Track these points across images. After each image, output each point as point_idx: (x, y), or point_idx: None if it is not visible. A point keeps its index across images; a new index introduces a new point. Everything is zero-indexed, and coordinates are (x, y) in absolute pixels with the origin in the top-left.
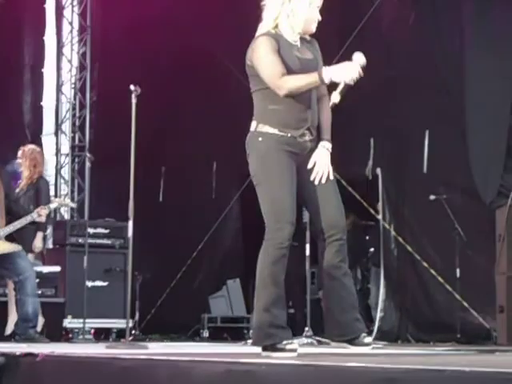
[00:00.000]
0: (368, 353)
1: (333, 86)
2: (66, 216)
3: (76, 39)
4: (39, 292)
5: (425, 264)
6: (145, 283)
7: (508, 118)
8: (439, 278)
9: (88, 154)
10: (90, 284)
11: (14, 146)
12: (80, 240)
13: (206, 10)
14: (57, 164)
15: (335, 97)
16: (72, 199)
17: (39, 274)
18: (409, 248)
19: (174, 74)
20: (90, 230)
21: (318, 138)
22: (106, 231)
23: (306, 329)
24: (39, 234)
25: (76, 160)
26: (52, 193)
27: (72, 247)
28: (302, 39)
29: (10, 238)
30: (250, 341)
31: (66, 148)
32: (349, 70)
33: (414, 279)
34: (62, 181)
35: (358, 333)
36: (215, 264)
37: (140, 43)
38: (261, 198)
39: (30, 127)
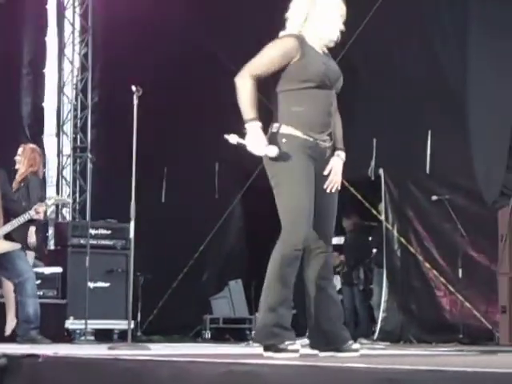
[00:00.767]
0: (370, 353)
1: None
2: (68, 217)
3: (77, 40)
4: (41, 293)
5: (427, 265)
6: (147, 284)
7: (510, 119)
8: (442, 279)
9: (90, 155)
10: (91, 285)
11: (15, 146)
12: (82, 241)
13: (209, 11)
14: (58, 165)
15: (233, 138)
16: (74, 200)
17: (41, 275)
18: (411, 249)
19: (175, 74)
20: (92, 231)
21: (333, 147)
22: (108, 232)
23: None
24: (31, 229)
25: (78, 161)
26: (53, 193)
27: (74, 248)
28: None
29: (8, 237)
30: (252, 342)
31: (67, 149)
32: (255, 149)
33: (417, 280)
34: (64, 182)
35: (345, 341)
36: (217, 265)
37: (142, 44)
38: (280, 198)
39: (31, 128)
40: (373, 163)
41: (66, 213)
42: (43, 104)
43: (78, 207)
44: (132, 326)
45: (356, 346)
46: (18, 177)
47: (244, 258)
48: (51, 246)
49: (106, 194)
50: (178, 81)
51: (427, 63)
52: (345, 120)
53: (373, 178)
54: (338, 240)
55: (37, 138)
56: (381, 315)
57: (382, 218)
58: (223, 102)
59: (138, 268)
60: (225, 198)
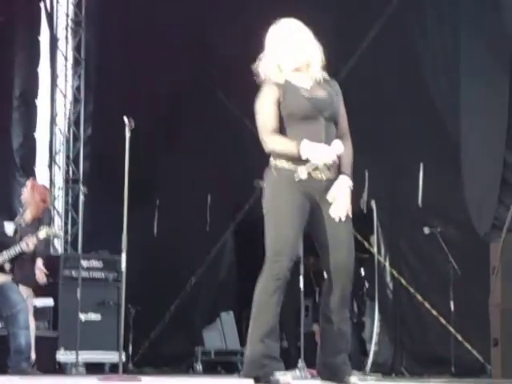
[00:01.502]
0: None
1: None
2: (60, 249)
3: (70, 72)
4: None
5: (419, 297)
6: (138, 316)
7: (503, 151)
8: (433, 311)
9: (82, 187)
10: (83, 317)
11: (6, 177)
12: (73, 273)
13: (199, 41)
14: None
15: (302, 172)
16: (65, 232)
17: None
18: (403, 281)
19: (168, 107)
20: (84, 263)
21: (338, 173)
22: (100, 264)
23: (300, 362)
24: (39, 261)
25: (70, 193)
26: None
27: (65, 280)
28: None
29: (0, 269)
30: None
31: (59, 181)
32: (325, 155)
33: (409, 312)
34: (56, 213)
35: (344, 375)
36: (209, 297)
37: (134, 76)
38: (266, 229)
39: (23, 159)
40: (365, 195)
41: (58, 245)
42: (35, 135)
43: (69, 239)
44: (123, 358)
45: (354, 379)
46: (30, 212)
47: (235, 289)
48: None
49: (98, 225)
50: (171, 113)
51: (420, 95)
52: None
53: (365, 211)
54: None
55: (29, 169)
56: (373, 348)
57: (375, 250)
58: (217, 134)
59: (130, 300)
60: (216, 231)
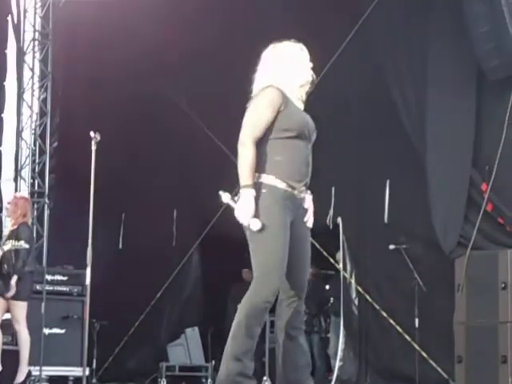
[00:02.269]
0: None
1: None
2: None
3: (37, 85)
4: None
5: (384, 314)
6: (102, 331)
7: (469, 170)
8: (398, 328)
9: (47, 201)
10: (47, 331)
11: None
12: (38, 287)
13: (165, 57)
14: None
15: (226, 197)
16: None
17: None
18: (369, 298)
19: (134, 121)
20: (48, 277)
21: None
22: (64, 278)
23: (265, 378)
24: (13, 278)
25: (35, 206)
26: None
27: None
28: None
29: None
30: None
31: (25, 194)
32: (243, 215)
33: (374, 328)
34: None
35: None
36: (174, 312)
37: (101, 89)
38: (255, 248)
39: None
40: (331, 212)
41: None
42: (0, 148)
43: (29, 247)
44: (87, 372)
45: None
46: (11, 226)
47: (201, 305)
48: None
49: (63, 239)
50: (137, 127)
51: (386, 112)
52: None
53: (331, 227)
54: None
55: None
56: (337, 364)
57: (340, 266)
58: (182, 150)
59: (94, 314)
60: (182, 246)
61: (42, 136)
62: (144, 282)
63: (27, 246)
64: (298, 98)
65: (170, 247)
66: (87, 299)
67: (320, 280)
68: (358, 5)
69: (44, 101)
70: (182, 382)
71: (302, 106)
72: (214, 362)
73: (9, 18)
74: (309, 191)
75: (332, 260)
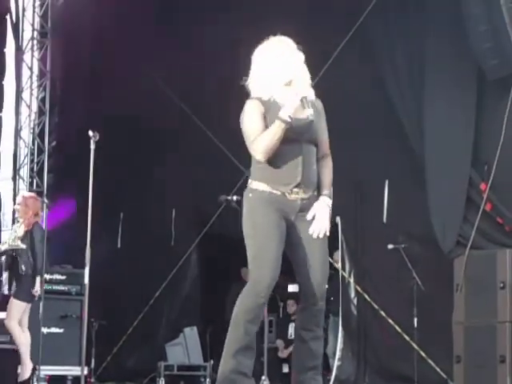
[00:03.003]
0: None
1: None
2: None
3: (35, 84)
4: None
5: (383, 313)
6: (101, 330)
7: (468, 170)
8: (397, 328)
9: (45, 200)
10: (45, 330)
11: None
12: None
13: (166, 56)
14: (14, 209)
15: (309, 112)
16: None
17: None
18: (367, 297)
19: (133, 120)
20: (47, 277)
21: (318, 194)
22: (63, 278)
23: (263, 378)
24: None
25: None
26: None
27: None
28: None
29: None
30: None
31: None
32: (292, 96)
33: (373, 328)
34: None
35: None
36: (172, 311)
37: (99, 87)
38: (248, 249)
39: None
40: (330, 211)
41: None
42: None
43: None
44: (86, 372)
45: None
46: (24, 226)
47: (199, 305)
48: (5, 290)
49: (62, 239)
50: (137, 126)
51: (384, 112)
52: None
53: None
54: (294, 288)
55: None
56: (336, 364)
57: (339, 266)
58: (180, 147)
59: (93, 314)
60: (181, 245)
61: (41, 135)
62: (142, 282)
63: (24, 246)
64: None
65: (169, 246)
66: (86, 298)
67: None
68: (356, 6)
69: (42, 100)
70: (181, 382)
71: (299, 105)
72: (212, 361)
73: (7, 16)
74: (325, 197)
75: (330, 259)
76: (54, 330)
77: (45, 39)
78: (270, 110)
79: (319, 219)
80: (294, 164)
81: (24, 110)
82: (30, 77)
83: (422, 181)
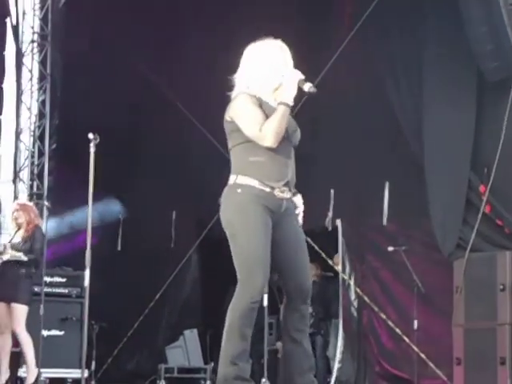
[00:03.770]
0: None
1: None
2: None
3: (36, 87)
4: None
5: (383, 315)
6: (101, 333)
7: (468, 172)
8: (397, 330)
9: (46, 202)
10: (45, 333)
11: None
12: (36, 289)
13: (167, 58)
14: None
15: (309, 86)
16: None
17: None
18: (367, 299)
19: (134, 123)
20: (47, 279)
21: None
22: (63, 280)
23: (263, 380)
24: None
25: None
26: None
27: None
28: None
29: None
30: None
31: (24, 196)
32: (291, 78)
33: (373, 330)
34: None
35: None
36: (172, 314)
37: (100, 91)
38: (234, 249)
39: None
40: (330, 214)
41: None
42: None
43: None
44: (86, 374)
45: None
46: (24, 230)
47: (199, 307)
48: None
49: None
50: (135, 127)
51: (384, 115)
52: (303, 170)
53: (330, 229)
54: None
55: None
56: (336, 366)
57: (339, 268)
58: (182, 151)
59: (93, 316)
60: (181, 248)
61: (41, 138)
62: (142, 284)
63: (25, 258)
64: (275, 100)
65: (169, 249)
66: (86, 301)
67: (324, 282)
68: (355, 7)
69: (43, 103)
70: None
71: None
72: (212, 363)
73: (7, 19)
74: (299, 194)
75: (330, 262)
76: (54, 332)
77: (45, 42)
78: (263, 106)
79: (301, 208)
80: (284, 163)
81: (24, 112)
82: (30, 79)
83: (422, 183)
